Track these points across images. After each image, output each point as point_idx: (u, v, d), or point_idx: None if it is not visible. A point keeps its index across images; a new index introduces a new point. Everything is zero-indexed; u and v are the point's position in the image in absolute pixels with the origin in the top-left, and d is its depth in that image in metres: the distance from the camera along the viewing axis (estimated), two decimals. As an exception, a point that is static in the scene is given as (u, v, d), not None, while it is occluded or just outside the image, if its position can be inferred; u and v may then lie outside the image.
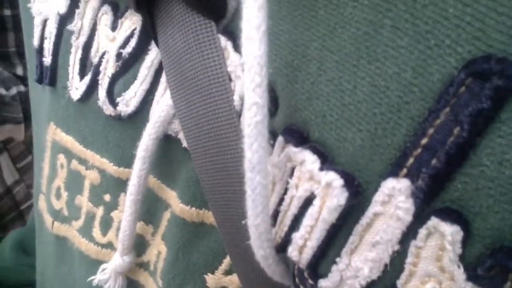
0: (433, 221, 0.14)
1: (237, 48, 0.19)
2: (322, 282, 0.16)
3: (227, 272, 0.22)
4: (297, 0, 0.16)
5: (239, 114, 0.19)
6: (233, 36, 0.19)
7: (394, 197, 0.14)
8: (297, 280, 0.17)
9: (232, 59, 0.19)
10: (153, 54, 0.22)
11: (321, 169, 0.15)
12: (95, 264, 0.27)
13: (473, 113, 0.12)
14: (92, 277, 0.26)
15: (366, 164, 0.15)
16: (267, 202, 0.16)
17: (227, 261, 0.22)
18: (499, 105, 0.12)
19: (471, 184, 0.13)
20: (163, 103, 0.22)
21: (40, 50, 0.27)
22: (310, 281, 0.17)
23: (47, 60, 0.26)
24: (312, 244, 0.16)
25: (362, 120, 0.14)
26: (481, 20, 0.12)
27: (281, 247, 0.17)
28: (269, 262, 0.17)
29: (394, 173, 0.14)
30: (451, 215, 0.13)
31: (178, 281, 0.24)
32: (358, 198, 0.15)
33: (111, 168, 0.25)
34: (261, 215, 0.16)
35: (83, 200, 0.27)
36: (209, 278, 0.23)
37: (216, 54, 0.19)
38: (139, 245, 0.26)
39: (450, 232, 0.13)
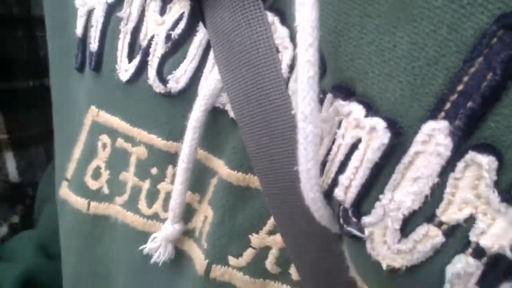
0: (470, 155, 0.16)
1: (284, 22, 0.21)
2: (365, 219, 0.19)
3: (271, 232, 0.25)
4: None
5: (286, 82, 0.21)
6: (280, 12, 0.21)
7: (434, 137, 0.16)
8: (341, 220, 0.20)
9: (279, 32, 0.21)
10: (201, 35, 0.24)
11: (366, 116, 0.18)
12: (140, 236, 0.29)
13: (504, 60, 0.15)
14: (143, 246, 0.28)
15: (407, 111, 0.17)
16: (317, 149, 0.19)
17: (271, 222, 0.24)
18: None
19: (502, 122, 0.15)
20: (211, 78, 0.24)
21: (83, 39, 0.29)
22: (354, 219, 0.19)
23: (93, 46, 0.28)
24: (357, 183, 0.18)
25: (402, 73, 0.17)
26: None
27: (328, 193, 0.20)
28: (318, 205, 0.20)
29: (433, 117, 0.16)
30: (486, 148, 0.16)
31: (224, 241, 0.26)
32: (400, 138, 0.17)
33: (159, 142, 0.27)
34: (312, 160, 0.19)
35: (129, 176, 0.29)
36: (254, 238, 0.25)
37: (264, 27, 0.21)
38: (186, 213, 0.28)
39: (487, 162, 0.16)
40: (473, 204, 0.17)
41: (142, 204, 0.29)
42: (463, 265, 0.17)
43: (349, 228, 0.19)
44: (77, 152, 0.32)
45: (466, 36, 0.15)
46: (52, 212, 0.47)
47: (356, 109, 0.18)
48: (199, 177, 0.27)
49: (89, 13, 0.29)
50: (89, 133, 0.31)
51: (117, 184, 0.30)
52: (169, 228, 0.27)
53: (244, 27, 0.21)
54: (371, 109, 0.18)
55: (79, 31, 0.30)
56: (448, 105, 0.16)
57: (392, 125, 0.17)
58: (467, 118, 0.16)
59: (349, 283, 0.22)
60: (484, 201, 0.16)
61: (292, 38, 0.21)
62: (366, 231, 0.19)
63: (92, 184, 0.31)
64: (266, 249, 0.25)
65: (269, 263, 0.25)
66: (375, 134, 0.17)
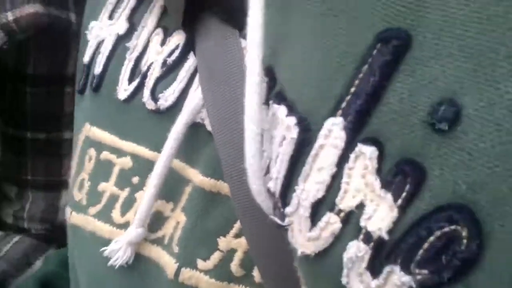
0: (359, 147, 0.19)
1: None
2: (287, 209, 0.22)
3: (237, 235, 0.27)
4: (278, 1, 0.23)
5: None
6: None
7: (332, 131, 0.20)
8: (272, 212, 0.22)
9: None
10: (190, 62, 0.30)
11: (287, 115, 0.22)
12: (106, 244, 0.31)
13: (380, 65, 0.19)
14: (103, 248, 0.30)
15: (316, 111, 0.21)
16: (260, 146, 0.22)
17: (237, 225, 0.27)
18: (397, 59, 0.19)
19: (383, 118, 0.19)
20: (194, 97, 0.29)
21: (89, 65, 0.34)
22: (281, 209, 0.22)
23: (97, 70, 0.33)
24: (281, 175, 0.22)
25: (314, 80, 0.21)
26: (386, 6, 0.19)
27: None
28: (262, 197, 0.23)
29: (333, 114, 0.20)
30: (370, 141, 0.19)
31: (194, 244, 0.28)
32: (308, 133, 0.21)
33: (146, 152, 0.31)
34: (254, 156, 0.22)
35: (108, 186, 0.32)
36: (221, 241, 0.27)
37: (237, 52, 0.26)
38: (157, 221, 0.30)
39: (370, 151, 0.19)
40: (363, 191, 0.19)
41: (116, 213, 0.31)
42: (354, 250, 0.19)
43: (272, 217, 0.22)
44: (74, 166, 0.35)
45: (359, 49, 0.20)
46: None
47: (282, 111, 0.22)
48: (174, 186, 0.30)
49: (99, 44, 0.34)
50: (81, 148, 0.34)
51: (94, 195, 0.33)
52: (132, 231, 0.30)
53: (222, 51, 0.27)
54: (291, 111, 0.22)
55: (86, 59, 0.35)
56: (344, 104, 0.20)
57: (301, 122, 0.21)
58: (357, 114, 0.19)
59: None
60: (370, 188, 0.19)
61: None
62: (287, 220, 0.21)
63: (77, 196, 0.34)
64: (232, 252, 0.27)
65: (234, 265, 0.27)
66: (289, 130, 0.21)
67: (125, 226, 0.31)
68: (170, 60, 0.30)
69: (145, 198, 0.29)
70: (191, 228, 0.28)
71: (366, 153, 0.19)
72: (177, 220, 0.29)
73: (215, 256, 0.28)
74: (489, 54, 0.16)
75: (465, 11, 0.17)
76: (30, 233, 0.59)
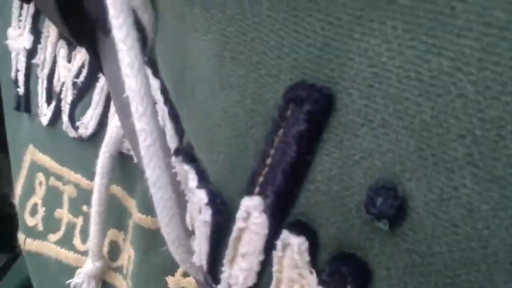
0: (284, 234, 0.15)
1: (156, 74, 0.21)
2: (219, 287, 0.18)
3: (185, 274, 0.25)
4: (174, 32, 0.17)
5: (163, 132, 0.21)
6: (152, 63, 0.21)
7: (251, 214, 0.15)
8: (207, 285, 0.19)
9: (152, 85, 0.21)
10: (102, 81, 0.25)
11: (198, 186, 0.17)
12: (74, 272, 0.30)
13: (295, 135, 0.14)
14: (70, 280, 0.29)
15: (228, 183, 0.16)
16: (174, 212, 0.18)
17: None
18: (318, 126, 0.13)
19: (311, 199, 0.14)
20: (112, 125, 0.24)
21: (16, 81, 0.30)
22: (214, 285, 0.19)
23: (21, 90, 0.30)
24: (203, 252, 0.18)
25: (220, 144, 0.16)
26: (295, 51, 0.13)
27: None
28: (188, 266, 0.19)
29: (249, 192, 0.15)
30: (299, 227, 0.15)
31: (143, 282, 0.26)
32: (222, 214, 0.16)
33: (84, 182, 0.28)
34: (170, 224, 0.19)
35: (63, 213, 0.30)
36: (170, 280, 0.25)
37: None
38: (114, 250, 0.28)
39: (297, 242, 0.15)
40: (299, 283, 0.16)
41: (77, 240, 0.30)
42: None
43: None
44: (18, 187, 0.33)
45: (268, 107, 0.14)
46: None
47: (191, 176, 0.17)
48: (120, 216, 0.27)
49: (17, 58, 0.30)
50: (28, 170, 0.32)
51: (52, 221, 0.31)
52: (89, 266, 0.28)
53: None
54: (201, 180, 0.17)
55: (12, 73, 0.31)
56: (261, 179, 0.15)
57: (213, 201, 0.17)
58: (276, 195, 0.15)
59: None
60: (306, 281, 0.15)
61: (162, 90, 0.21)
62: None
63: (30, 221, 0.32)
64: None
65: None
66: (203, 208, 0.17)
67: (87, 253, 0.30)
68: (79, 82, 0.25)
69: (91, 234, 0.27)
70: (139, 263, 0.26)
71: (293, 245, 0.15)
72: (129, 254, 0.28)
73: None
74: (436, 128, 0.12)
75: (399, 61, 0.12)
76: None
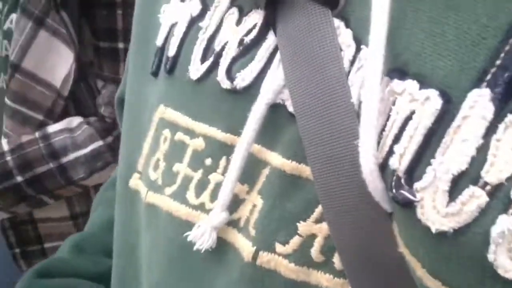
0: (509, 117, 0.19)
1: (348, 25, 0.25)
2: (417, 184, 0.21)
3: (318, 220, 0.27)
4: None
5: (347, 75, 0.25)
6: (345, 18, 0.25)
7: (478, 102, 0.20)
8: (394, 190, 0.22)
9: (343, 33, 0.25)
10: (269, 41, 0.29)
11: (420, 89, 0.21)
12: (183, 226, 0.31)
13: None
14: (187, 233, 0.30)
15: (456, 83, 0.21)
16: (376, 124, 0.22)
17: (318, 210, 0.27)
18: None
19: None
20: (275, 77, 0.28)
21: (162, 48, 0.34)
22: (406, 186, 0.21)
23: (171, 52, 0.33)
24: (411, 150, 0.21)
25: (451, 53, 0.21)
26: None
27: (382, 166, 0.22)
28: (374, 176, 0.22)
29: (478, 86, 0.20)
30: None
31: (272, 228, 0.28)
32: (450, 105, 0.21)
33: (219, 134, 0.30)
34: (370, 133, 0.22)
35: (182, 167, 0.32)
36: (301, 226, 0.27)
37: (330, 29, 0.25)
38: (232, 204, 0.30)
39: None
40: None
41: (190, 194, 0.31)
42: (506, 224, 0.18)
43: (401, 191, 0.21)
44: (146, 147, 0.35)
45: (502, 23, 0.20)
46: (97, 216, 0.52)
47: (411, 85, 0.22)
48: (249, 169, 0.29)
49: (172, 27, 0.34)
50: (156, 129, 0.34)
51: (170, 175, 0.33)
52: (216, 215, 0.29)
53: (313, 30, 0.26)
54: (424, 84, 0.21)
55: (159, 41, 0.34)
56: (489, 76, 0.20)
57: (443, 93, 0.21)
58: (506, 85, 0.19)
59: (395, 264, 0.23)
60: None
61: (355, 38, 0.25)
62: (418, 196, 0.21)
63: (152, 175, 0.34)
64: (312, 237, 0.27)
65: (314, 251, 0.27)
66: (428, 102, 0.21)
67: (200, 207, 0.31)
68: (247, 39, 0.29)
69: (227, 181, 0.29)
70: (268, 211, 0.28)
71: None
72: (253, 203, 0.29)
73: (295, 241, 0.27)
74: None
75: None
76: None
